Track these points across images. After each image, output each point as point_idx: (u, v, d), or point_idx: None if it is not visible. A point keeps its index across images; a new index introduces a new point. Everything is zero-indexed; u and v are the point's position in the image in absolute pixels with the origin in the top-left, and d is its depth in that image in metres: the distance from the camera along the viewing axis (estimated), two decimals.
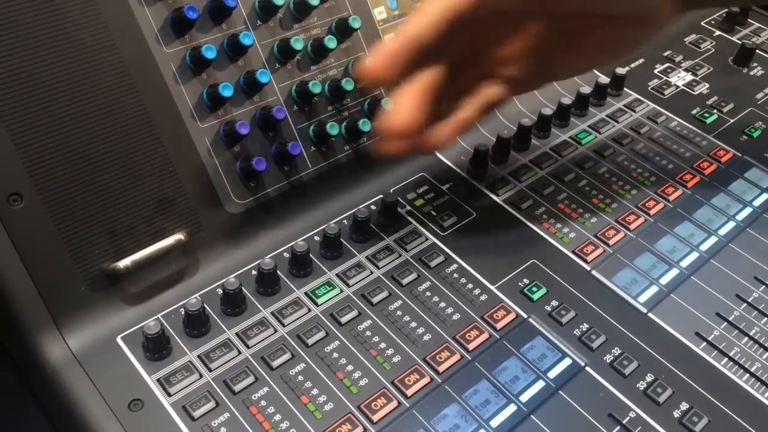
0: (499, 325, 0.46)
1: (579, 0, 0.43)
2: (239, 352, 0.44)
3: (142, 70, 0.46)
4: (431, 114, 0.44)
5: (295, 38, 0.50)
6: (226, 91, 0.48)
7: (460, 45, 0.45)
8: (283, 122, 0.51)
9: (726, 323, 0.48)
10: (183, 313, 0.44)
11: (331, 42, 0.52)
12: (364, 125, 0.53)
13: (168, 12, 0.47)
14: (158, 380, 0.42)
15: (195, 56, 0.47)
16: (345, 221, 0.52)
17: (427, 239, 0.52)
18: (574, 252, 0.52)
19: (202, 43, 0.48)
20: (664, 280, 0.50)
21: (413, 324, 0.46)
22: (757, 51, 0.75)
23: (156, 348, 0.42)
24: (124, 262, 0.44)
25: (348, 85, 0.52)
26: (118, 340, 0.44)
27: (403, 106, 0.42)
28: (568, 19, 0.45)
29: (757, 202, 0.57)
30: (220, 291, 0.46)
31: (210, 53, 0.47)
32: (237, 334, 0.44)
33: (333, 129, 0.52)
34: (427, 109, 0.43)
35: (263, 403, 0.41)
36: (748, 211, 0.57)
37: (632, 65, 0.72)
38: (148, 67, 0.46)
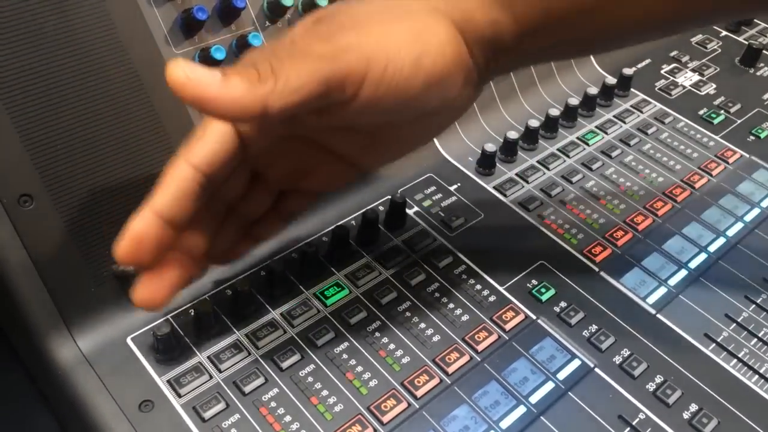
0: (508, 327, 0.46)
1: (358, 114, 0.35)
2: (249, 354, 0.44)
3: (152, 72, 0.46)
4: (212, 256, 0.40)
5: None
6: None
7: (231, 191, 0.39)
8: None
9: (735, 324, 0.48)
10: (192, 314, 0.44)
11: None
12: None
13: (177, 13, 0.47)
14: (168, 381, 0.42)
15: (204, 57, 0.47)
16: (353, 222, 0.52)
17: (435, 240, 0.52)
18: (582, 253, 0.52)
19: (212, 44, 0.48)
20: (672, 281, 0.50)
21: (422, 325, 0.46)
22: (764, 51, 0.74)
23: (166, 349, 0.42)
24: None
25: None
26: (128, 341, 0.44)
27: (153, 287, 0.36)
28: (358, 128, 0.39)
29: (765, 203, 0.57)
30: (230, 292, 0.46)
31: (219, 54, 0.47)
32: (247, 335, 0.44)
33: None
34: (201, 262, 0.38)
35: (273, 404, 0.41)
36: (756, 212, 0.57)
37: (639, 66, 0.72)
38: (158, 69, 0.46)
